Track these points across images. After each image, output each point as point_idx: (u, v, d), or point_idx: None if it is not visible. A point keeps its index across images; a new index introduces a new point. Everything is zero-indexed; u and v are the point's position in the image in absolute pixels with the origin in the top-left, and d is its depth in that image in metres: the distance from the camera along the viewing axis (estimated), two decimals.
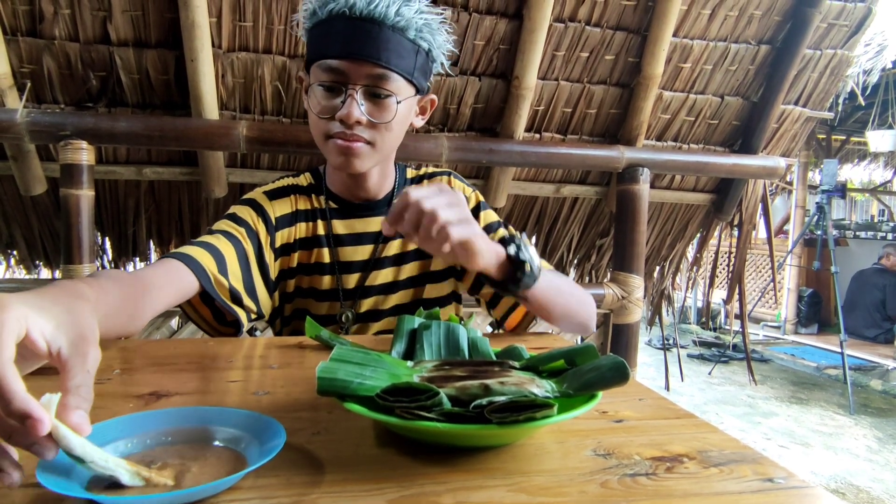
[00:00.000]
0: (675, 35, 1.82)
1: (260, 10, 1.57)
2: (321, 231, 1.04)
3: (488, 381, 0.52)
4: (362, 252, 1.05)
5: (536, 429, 0.52)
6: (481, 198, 1.11)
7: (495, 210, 1.84)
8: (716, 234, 2.40)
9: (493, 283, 0.85)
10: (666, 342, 4.01)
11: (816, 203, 5.02)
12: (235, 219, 0.99)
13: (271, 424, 0.48)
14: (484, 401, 0.48)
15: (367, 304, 1.06)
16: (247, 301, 0.96)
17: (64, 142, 1.52)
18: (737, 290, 2.41)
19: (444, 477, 0.46)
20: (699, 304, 7.27)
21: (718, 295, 4.02)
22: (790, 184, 6.35)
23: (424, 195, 0.69)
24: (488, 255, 0.78)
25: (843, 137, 7.27)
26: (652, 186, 1.97)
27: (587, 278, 2.35)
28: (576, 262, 2.34)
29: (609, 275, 2.02)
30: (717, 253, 2.43)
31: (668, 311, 2.55)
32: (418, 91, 0.96)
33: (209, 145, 1.63)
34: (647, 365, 5.14)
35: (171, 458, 0.46)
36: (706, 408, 4.20)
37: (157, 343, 0.93)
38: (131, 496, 0.41)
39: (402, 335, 0.78)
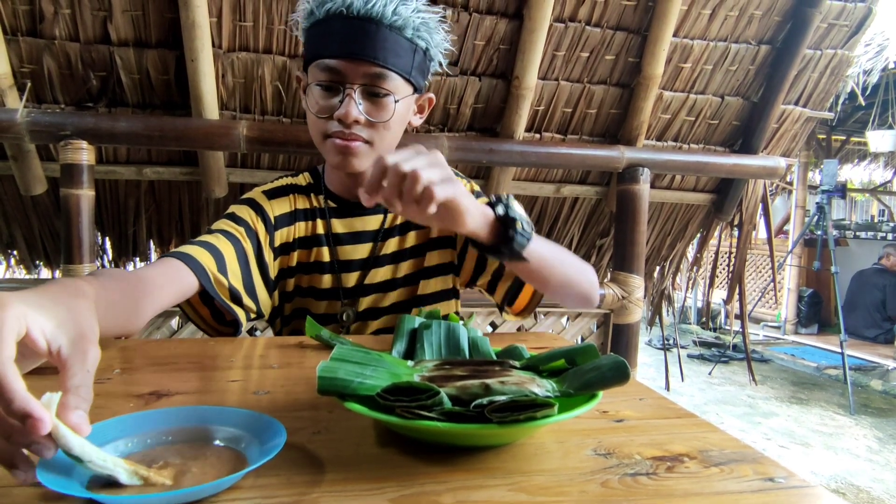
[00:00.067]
0: (675, 35, 1.82)
1: (260, 10, 1.57)
2: (320, 230, 1.04)
3: (489, 381, 0.52)
4: (361, 250, 1.05)
5: (537, 428, 0.52)
6: (477, 187, 1.10)
7: None
8: (716, 234, 2.40)
9: (485, 249, 0.80)
10: (666, 342, 4.01)
11: (816, 203, 5.02)
12: (234, 218, 0.99)
13: (272, 424, 0.48)
14: (484, 400, 0.48)
15: (366, 303, 1.06)
16: (246, 300, 0.96)
17: (64, 142, 1.52)
18: (737, 291, 2.41)
19: (445, 476, 0.46)
20: (699, 305, 7.26)
21: (718, 295, 4.02)
22: (790, 184, 6.35)
23: (402, 157, 0.65)
24: (476, 213, 0.73)
25: (844, 137, 7.27)
26: (652, 186, 1.97)
27: None
28: None
29: (609, 275, 2.02)
30: (717, 253, 2.43)
31: (668, 311, 2.55)
32: (416, 90, 0.96)
33: (209, 145, 1.63)
34: (647, 365, 5.14)
35: (172, 458, 0.46)
36: (706, 408, 4.20)
37: (158, 343, 0.93)
38: (132, 496, 0.41)
39: (403, 335, 0.78)
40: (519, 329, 1.93)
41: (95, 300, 0.56)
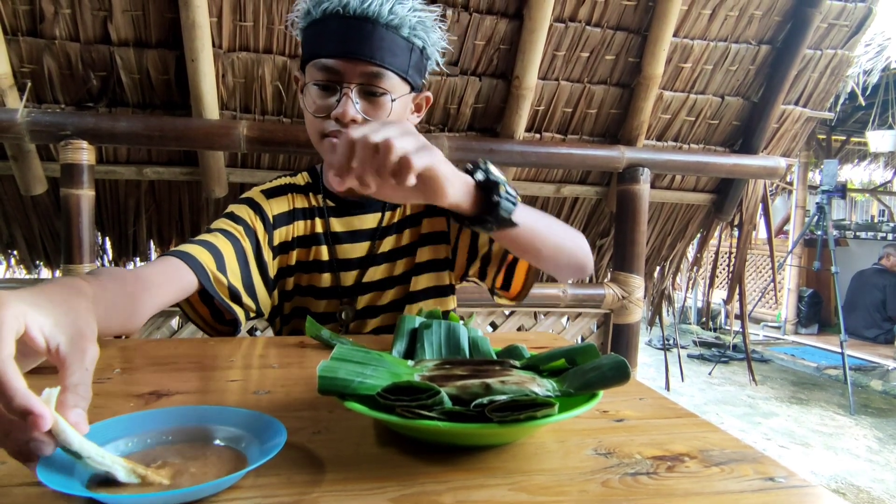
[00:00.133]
0: (675, 35, 1.82)
1: (260, 10, 1.57)
2: (319, 229, 1.05)
3: (489, 380, 0.52)
4: (359, 249, 1.05)
5: (537, 428, 0.52)
6: None
7: None
8: (716, 234, 2.40)
9: (469, 221, 0.74)
10: (666, 342, 4.01)
11: (816, 203, 5.02)
12: (233, 217, 0.99)
13: (272, 423, 0.48)
14: (485, 400, 0.48)
15: (364, 301, 1.06)
16: (246, 299, 0.96)
17: (64, 142, 1.52)
18: (737, 291, 2.41)
19: (445, 476, 0.46)
20: (699, 305, 7.26)
21: (718, 295, 4.02)
22: (790, 184, 6.35)
23: (371, 129, 0.60)
24: (457, 182, 0.69)
25: (844, 138, 7.27)
26: (652, 186, 1.97)
27: (587, 278, 2.35)
28: None
29: (609, 275, 2.02)
30: (717, 253, 2.43)
31: (668, 311, 2.55)
32: (413, 89, 0.96)
33: (209, 145, 1.63)
34: (647, 365, 5.14)
35: (172, 457, 0.46)
36: (706, 408, 4.19)
37: (158, 343, 0.93)
38: (133, 495, 0.41)
39: (403, 335, 0.78)
40: (519, 329, 1.93)
41: (94, 299, 0.56)
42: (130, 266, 2.02)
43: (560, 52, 1.80)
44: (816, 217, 5.00)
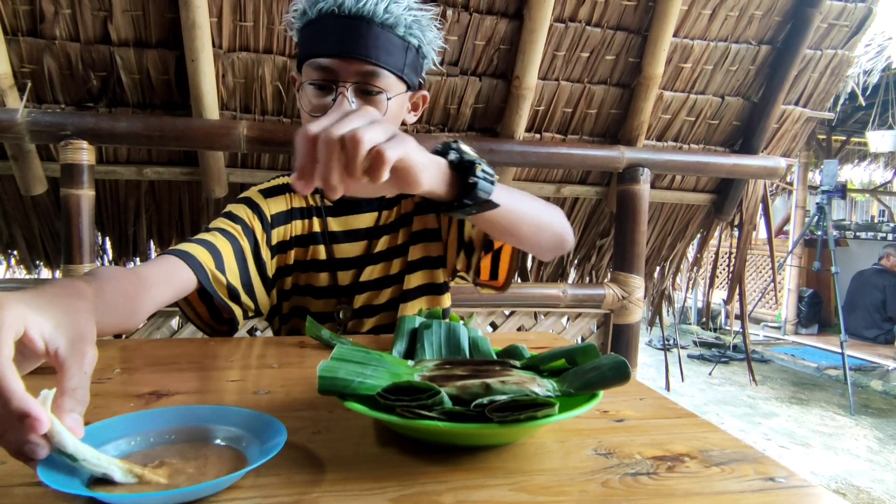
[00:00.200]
0: (675, 35, 1.82)
1: (260, 10, 1.57)
2: (317, 228, 1.05)
3: (489, 381, 0.52)
4: (356, 248, 1.06)
5: (537, 428, 0.52)
6: None
7: None
8: (716, 234, 2.40)
9: (447, 206, 0.68)
10: (666, 342, 4.01)
11: (817, 203, 5.02)
12: (231, 217, 1.00)
13: (272, 423, 0.48)
14: (485, 400, 0.48)
15: (361, 300, 1.06)
16: (244, 298, 0.96)
17: (64, 142, 1.52)
18: (737, 291, 2.41)
19: (446, 476, 0.46)
20: (699, 305, 7.26)
21: (719, 295, 4.02)
22: (790, 184, 6.35)
23: (331, 121, 0.54)
24: (432, 167, 0.63)
25: (844, 138, 7.27)
26: (652, 187, 1.97)
27: (588, 278, 2.35)
28: (576, 262, 2.34)
29: (609, 275, 2.02)
30: (717, 253, 2.43)
31: (668, 311, 2.55)
32: (409, 87, 0.96)
33: (209, 145, 1.63)
34: (647, 365, 5.14)
35: (172, 457, 0.46)
36: (706, 408, 4.19)
37: (158, 343, 0.93)
38: (133, 494, 0.41)
39: (403, 335, 0.78)
40: (519, 329, 1.93)
41: (94, 301, 0.56)
42: (130, 266, 2.02)
43: (560, 52, 1.80)
44: (816, 217, 5.00)
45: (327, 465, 0.47)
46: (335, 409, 0.59)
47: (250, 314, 1.01)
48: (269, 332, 1.22)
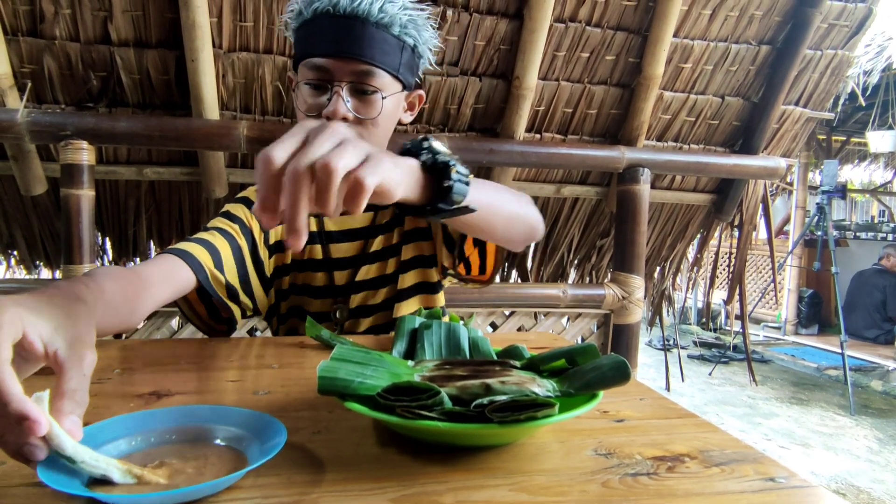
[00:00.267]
0: (675, 35, 1.82)
1: (260, 10, 1.57)
2: (313, 227, 1.05)
3: (489, 381, 0.52)
4: (352, 248, 1.06)
5: (537, 428, 0.52)
6: None
7: None
8: (716, 234, 2.40)
9: (421, 212, 0.62)
10: (666, 343, 4.01)
11: (817, 204, 5.02)
12: (229, 216, 1.00)
13: (272, 423, 0.48)
14: (485, 400, 0.48)
15: (357, 300, 1.06)
16: (243, 297, 0.97)
17: (64, 142, 1.52)
18: (737, 291, 2.41)
19: (446, 476, 0.46)
20: (699, 305, 7.26)
21: (719, 295, 4.02)
22: (790, 184, 6.35)
23: (294, 144, 0.47)
24: (408, 178, 0.57)
25: (844, 138, 7.27)
26: (652, 187, 1.96)
27: (588, 279, 2.35)
28: (576, 262, 2.34)
29: (609, 275, 2.02)
30: (717, 253, 2.43)
31: (668, 311, 2.55)
32: (405, 87, 0.96)
33: (210, 145, 1.63)
34: (647, 366, 5.14)
35: (173, 457, 0.46)
36: (706, 408, 4.19)
37: (158, 343, 0.93)
38: (134, 494, 0.41)
39: (403, 335, 0.78)
40: (519, 329, 1.93)
41: (93, 303, 0.56)
42: (130, 266, 2.02)
43: (560, 52, 1.80)
44: (816, 217, 5.00)
45: (327, 465, 0.47)
46: (335, 410, 0.59)
47: (248, 313, 1.01)
48: (269, 333, 1.22)
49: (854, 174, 9.03)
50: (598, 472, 0.48)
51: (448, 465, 0.48)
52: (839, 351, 4.58)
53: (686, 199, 2.22)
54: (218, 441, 0.49)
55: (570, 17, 1.75)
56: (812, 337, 6.28)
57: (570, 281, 2.33)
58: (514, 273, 2.30)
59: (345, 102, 0.89)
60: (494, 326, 1.91)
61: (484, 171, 1.99)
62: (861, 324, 5.83)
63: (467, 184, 0.62)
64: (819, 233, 4.98)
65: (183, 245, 0.91)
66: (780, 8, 1.85)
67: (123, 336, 1.58)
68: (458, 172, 0.61)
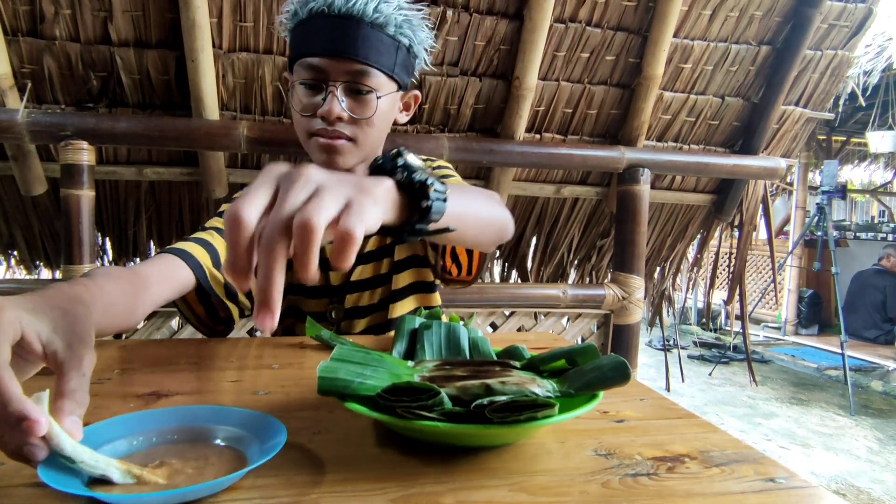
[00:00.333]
0: (675, 36, 1.82)
1: (260, 10, 1.58)
2: None
3: (489, 381, 0.52)
4: None
5: (537, 428, 0.52)
6: (447, 165, 1.08)
7: None
8: (716, 234, 2.40)
9: (399, 232, 0.56)
10: (666, 343, 4.01)
11: (817, 204, 5.02)
12: None
13: (272, 423, 0.48)
14: (485, 400, 0.48)
15: (351, 300, 1.06)
16: (241, 297, 0.97)
17: (64, 142, 1.52)
18: (737, 291, 2.41)
19: (446, 476, 0.46)
20: (699, 305, 7.26)
21: (719, 296, 4.02)
22: (790, 185, 6.35)
23: (260, 200, 0.42)
24: (388, 208, 0.51)
25: (844, 138, 7.27)
26: (652, 187, 1.97)
27: (588, 279, 2.35)
28: (576, 262, 2.34)
29: (609, 275, 2.02)
30: (717, 254, 2.43)
31: (668, 311, 2.55)
32: (400, 87, 0.96)
33: (210, 146, 1.63)
34: (647, 366, 5.14)
35: (172, 457, 0.46)
36: (706, 408, 4.19)
37: (157, 343, 0.93)
38: (135, 494, 0.41)
39: (403, 335, 0.78)
40: (519, 329, 1.93)
41: (92, 304, 0.56)
42: (129, 266, 2.02)
43: (560, 52, 1.80)
44: (816, 218, 5.00)
45: (327, 465, 0.47)
46: (335, 410, 0.59)
47: (247, 313, 1.01)
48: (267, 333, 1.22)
49: (854, 174, 9.03)
50: (598, 472, 0.48)
51: (448, 465, 0.48)
52: (839, 351, 4.58)
53: (686, 199, 2.22)
54: (218, 441, 0.49)
55: (570, 18, 1.75)
56: (812, 337, 6.28)
57: (570, 281, 2.33)
58: (514, 273, 2.30)
59: (339, 102, 0.89)
60: (494, 326, 1.91)
61: (484, 171, 1.99)
62: (861, 324, 5.83)
63: (445, 200, 0.57)
64: (819, 233, 4.98)
65: (181, 244, 0.91)
66: (780, 8, 1.85)
67: (123, 336, 1.58)
68: (435, 191, 0.56)
